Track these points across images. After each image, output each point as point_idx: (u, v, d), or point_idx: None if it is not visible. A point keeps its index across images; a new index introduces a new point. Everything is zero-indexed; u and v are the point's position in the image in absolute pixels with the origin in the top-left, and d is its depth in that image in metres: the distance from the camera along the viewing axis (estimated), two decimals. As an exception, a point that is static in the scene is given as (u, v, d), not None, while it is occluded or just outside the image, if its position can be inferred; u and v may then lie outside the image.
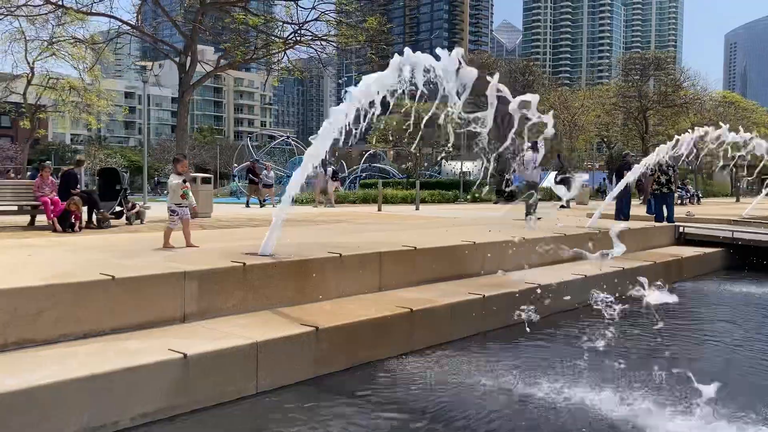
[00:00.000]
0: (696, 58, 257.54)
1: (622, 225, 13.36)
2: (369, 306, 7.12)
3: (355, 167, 51.03)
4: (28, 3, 14.95)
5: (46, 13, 15.29)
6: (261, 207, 23.74)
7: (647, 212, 18.77)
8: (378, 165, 52.50)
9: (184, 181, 8.29)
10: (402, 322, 6.95)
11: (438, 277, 8.82)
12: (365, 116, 6.78)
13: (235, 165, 44.31)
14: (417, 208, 23.62)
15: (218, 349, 5.33)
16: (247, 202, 25.09)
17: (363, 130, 7.35)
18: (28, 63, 23.31)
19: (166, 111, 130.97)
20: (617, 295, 7.00)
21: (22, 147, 45.31)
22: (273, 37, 15.64)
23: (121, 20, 15.17)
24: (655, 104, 45.77)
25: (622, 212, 16.88)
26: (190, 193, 8.40)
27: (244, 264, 6.69)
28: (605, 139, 55.92)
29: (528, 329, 7.96)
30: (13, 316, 5.07)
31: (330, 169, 25.58)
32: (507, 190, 24.98)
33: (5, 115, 38.51)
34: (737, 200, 40.96)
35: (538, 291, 8.80)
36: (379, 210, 22.22)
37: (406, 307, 7.09)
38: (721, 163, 18.16)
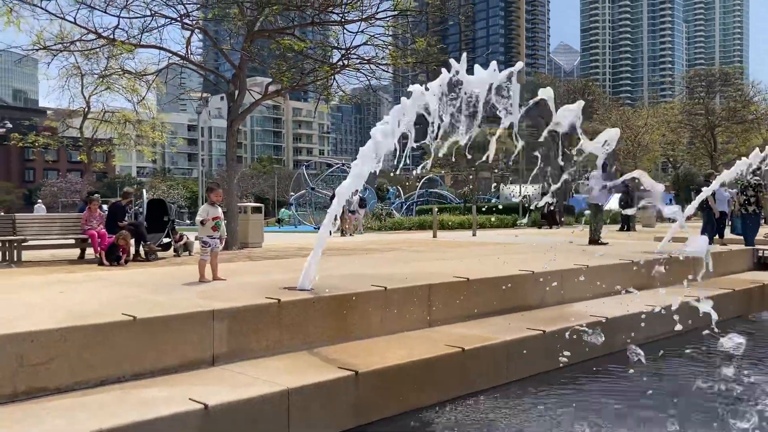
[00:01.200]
0: (765, 72, 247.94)
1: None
2: (417, 345, 6.49)
3: (411, 193, 50.54)
4: (83, 38, 15.13)
5: (98, 48, 15.46)
6: (345, 236, 22.68)
7: (732, 232, 17.46)
8: (435, 190, 51.86)
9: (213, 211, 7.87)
10: (453, 363, 6.28)
11: (494, 310, 8.11)
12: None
13: (292, 193, 44.45)
14: (474, 234, 22.87)
15: (244, 398, 4.78)
16: (343, 230, 23.58)
17: (411, 153, 6.82)
18: (84, 97, 23.87)
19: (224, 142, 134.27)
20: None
21: (88, 180, 46.74)
22: (319, 62, 15.36)
23: (170, 51, 15.20)
24: (723, 121, 43.76)
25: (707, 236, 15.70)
26: (222, 224, 7.99)
27: (279, 300, 6.17)
28: (671, 159, 53.81)
29: (594, 368, 7.19)
30: (23, 362, 4.66)
31: (357, 198, 25.54)
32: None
33: (66, 148, 39.82)
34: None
35: (605, 325, 8.00)
36: (435, 237, 21.56)
37: (458, 345, 6.42)
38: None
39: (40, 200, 40.04)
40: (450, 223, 29.38)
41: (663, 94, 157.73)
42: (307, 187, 40.52)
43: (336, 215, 6.98)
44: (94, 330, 5.04)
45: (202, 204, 8.10)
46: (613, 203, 30.49)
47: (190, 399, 4.63)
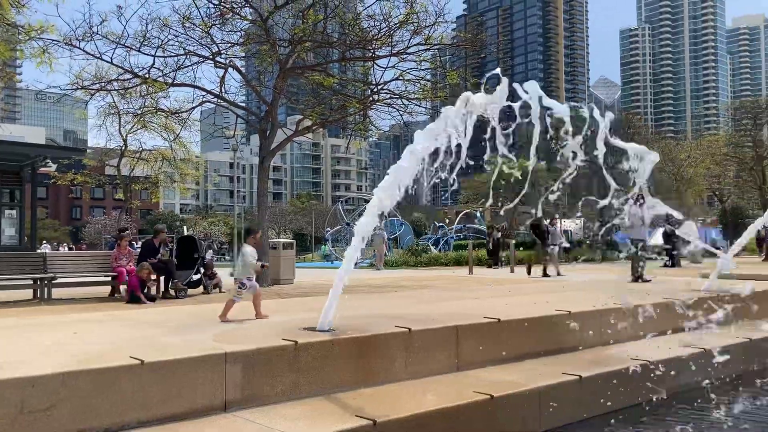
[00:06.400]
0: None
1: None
2: (442, 391, 6.11)
3: (450, 227, 50.09)
4: (119, 78, 15.40)
5: (134, 86, 15.70)
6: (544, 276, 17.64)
7: None
8: (473, 225, 51.25)
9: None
10: (481, 411, 5.87)
11: (527, 353, 7.66)
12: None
13: (328, 229, 44.45)
14: (512, 271, 22.29)
15: (251, 450, 4.48)
16: (529, 268, 19.09)
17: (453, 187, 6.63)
18: (122, 136, 24.35)
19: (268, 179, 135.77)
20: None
21: (134, 218, 47.61)
22: (349, 97, 15.32)
23: (204, 89, 15.35)
24: (773, 152, 42.38)
25: None
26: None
27: (296, 342, 5.88)
28: (716, 192, 52.30)
29: (639, 416, 6.70)
30: (23, 409, 4.45)
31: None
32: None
33: (99, 187, 40.73)
34: None
35: (649, 369, 7.49)
36: (471, 273, 21.10)
37: (487, 392, 6.01)
38: None
39: (45, 241, 40.45)
40: (489, 260, 28.80)
41: (707, 127, 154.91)
42: (343, 222, 40.48)
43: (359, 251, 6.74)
44: (98, 375, 4.82)
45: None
46: (657, 238, 29.49)
47: (193, 451, 4.35)
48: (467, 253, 24.50)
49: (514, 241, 26.17)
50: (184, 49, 14.31)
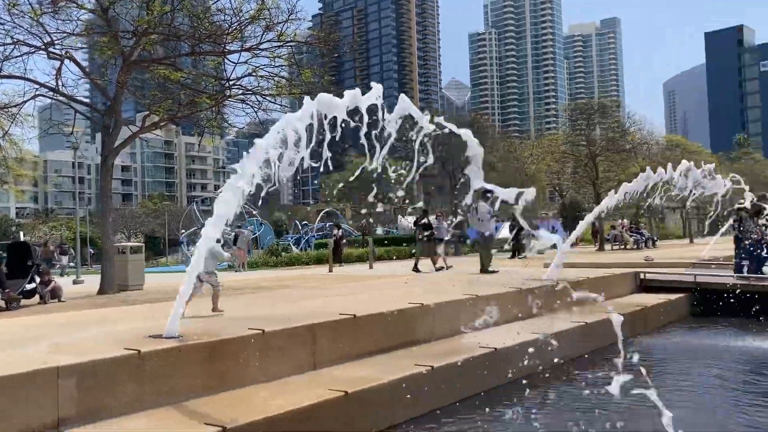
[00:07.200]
0: (638, 107, 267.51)
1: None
2: (297, 391, 6.01)
3: (310, 226, 50.02)
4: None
5: (-48, 77, 14.14)
6: (437, 270, 17.41)
7: None
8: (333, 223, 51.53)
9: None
10: (336, 409, 5.85)
11: (383, 347, 7.76)
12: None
13: (183, 231, 42.77)
14: (371, 267, 22.60)
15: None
16: (416, 265, 18.11)
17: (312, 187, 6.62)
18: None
19: (116, 180, 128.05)
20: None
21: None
22: (198, 92, 14.77)
23: (36, 82, 14.12)
24: (603, 150, 46.17)
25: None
26: None
27: (139, 351, 5.54)
28: (557, 188, 56.12)
29: (486, 401, 6.99)
30: None
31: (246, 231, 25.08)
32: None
33: None
34: (691, 241, 41.26)
35: (495, 355, 7.86)
36: (331, 271, 21.14)
37: (341, 389, 6.00)
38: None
39: None
40: (348, 257, 29.05)
41: (548, 127, 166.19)
42: (199, 223, 39.14)
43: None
44: None
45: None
46: (504, 231, 31.21)
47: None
48: (327, 251, 24.53)
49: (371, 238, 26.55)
50: (12, 38, 13.11)
